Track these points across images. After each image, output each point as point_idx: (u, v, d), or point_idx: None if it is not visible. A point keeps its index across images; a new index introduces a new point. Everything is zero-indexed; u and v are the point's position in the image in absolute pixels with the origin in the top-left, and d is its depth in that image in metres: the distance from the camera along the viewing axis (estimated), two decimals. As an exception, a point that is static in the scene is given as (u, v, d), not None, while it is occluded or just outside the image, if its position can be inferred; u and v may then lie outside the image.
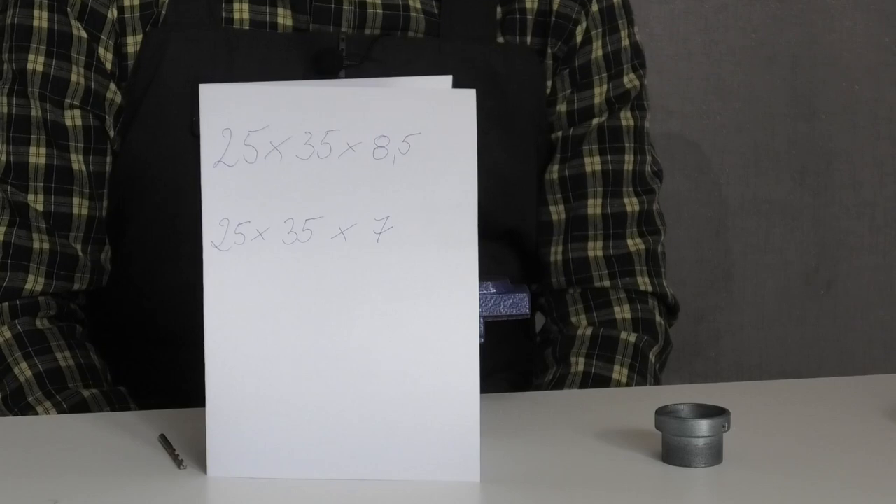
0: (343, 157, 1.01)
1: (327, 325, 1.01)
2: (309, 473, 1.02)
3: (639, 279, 1.45)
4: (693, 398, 1.11)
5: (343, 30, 1.37)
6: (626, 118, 1.47)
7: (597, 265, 1.45)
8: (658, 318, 1.45)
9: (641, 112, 1.49)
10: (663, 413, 1.06)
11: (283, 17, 1.38)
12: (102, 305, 1.43)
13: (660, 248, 1.48)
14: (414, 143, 1.00)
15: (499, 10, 1.42)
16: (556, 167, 1.46)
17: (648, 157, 1.49)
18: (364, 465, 1.02)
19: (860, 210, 2.37)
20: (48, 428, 1.17)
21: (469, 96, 1.00)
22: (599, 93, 1.45)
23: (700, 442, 1.05)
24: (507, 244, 1.45)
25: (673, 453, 1.06)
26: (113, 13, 1.37)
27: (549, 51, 1.44)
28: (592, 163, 1.45)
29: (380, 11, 1.38)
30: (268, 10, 1.38)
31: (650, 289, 1.46)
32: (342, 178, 1.01)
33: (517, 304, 1.27)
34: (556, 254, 1.46)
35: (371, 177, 1.01)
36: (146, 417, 1.16)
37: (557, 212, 1.46)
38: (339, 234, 1.01)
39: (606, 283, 1.44)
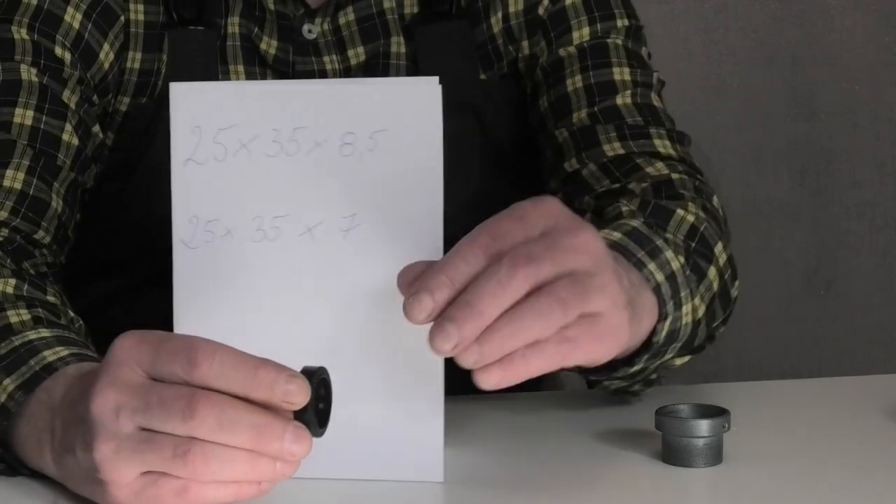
0: (311, 154, 1.00)
1: (295, 323, 1.01)
2: None
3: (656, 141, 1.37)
4: (693, 398, 1.11)
5: None
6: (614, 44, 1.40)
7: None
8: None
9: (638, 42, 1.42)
10: (663, 413, 1.06)
11: (277, 79, 1.38)
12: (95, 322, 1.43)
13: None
14: (380, 139, 1.00)
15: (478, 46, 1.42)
16: (540, 101, 1.40)
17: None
18: (330, 464, 1.01)
19: (860, 210, 2.37)
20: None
21: (432, 90, 0.99)
22: (578, 36, 1.40)
23: (700, 442, 1.05)
24: None
25: (673, 453, 1.06)
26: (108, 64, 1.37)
27: (528, 52, 1.41)
28: (574, 82, 1.39)
29: (361, 72, 1.38)
30: (258, 72, 1.38)
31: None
32: (310, 176, 1.00)
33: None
34: (594, 157, 1.34)
35: (338, 174, 1.00)
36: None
37: (561, 134, 1.37)
38: (307, 231, 1.00)
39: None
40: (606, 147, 1.33)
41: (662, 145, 1.33)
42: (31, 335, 1.08)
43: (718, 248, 1.18)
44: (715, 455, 1.06)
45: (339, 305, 1.00)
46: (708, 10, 2.31)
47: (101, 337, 1.41)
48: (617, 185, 1.30)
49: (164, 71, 1.36)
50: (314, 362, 0.99)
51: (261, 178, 1.00)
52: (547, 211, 0.95)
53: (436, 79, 1.00)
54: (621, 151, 1.32)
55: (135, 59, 1.37)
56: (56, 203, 1.29)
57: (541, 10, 1.41)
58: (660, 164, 1.30)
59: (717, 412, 1.06)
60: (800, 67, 2.33)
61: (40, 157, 1.29)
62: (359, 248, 1.00)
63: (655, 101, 1.38)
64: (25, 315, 1.11)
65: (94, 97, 1.36)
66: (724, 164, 2.34)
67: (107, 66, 1.36)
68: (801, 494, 1.02)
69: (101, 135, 1.36)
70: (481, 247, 0.92)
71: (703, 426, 1.05)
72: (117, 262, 1.41)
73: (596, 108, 1.35)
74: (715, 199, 1.28)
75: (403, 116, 0.99)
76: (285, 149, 1.00)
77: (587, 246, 0.94)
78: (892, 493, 1.02)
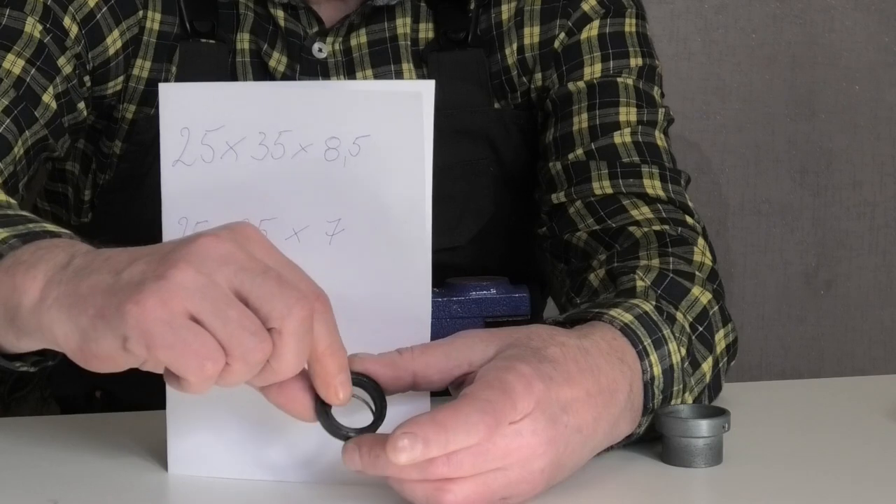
0: (296, 158, 0.99)
1: None
2: (262, 475, 1.02)
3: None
4: (693, 398, 1.11)
5: None
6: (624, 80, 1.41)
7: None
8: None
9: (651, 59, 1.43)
10: (663, 413, 1.06)
11: None
12: None
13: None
14: (363, 144, 0.99)
15: (491, 76, 1.42)
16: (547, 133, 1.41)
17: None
18: (318, 469, 1.01)
19: (860, 210, 2.37)
20: (48, 428, 1.17)
21: (419, 96, 0.99)
22: (590, 72, 1.41)
23: (700, 442, 1.05)
24: (523, 267, 1.44)
25: (673, 453, 1.06)
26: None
27: (540, 84, 1.42)
28: (580, 121, 1.39)
29: None
30: None
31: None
32: (295, 180, 0.99)
33: (517, 304, 1.27)
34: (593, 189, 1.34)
35: (323, 178, 0.99)
36: (146, 417, 1.16)
37: (554, 167, 1.38)
38: (293, 235, 1.00)
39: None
40: (595, 185, 1.33)
41: (652, 185, 1.33)
42: (26, 213, 1.05)
43: (720, 334, 1.18)
44: (715, 455, 1.06)
45: None
46: (708, 10, 2.31)
47: None
48: (600, 227, 1.30)
49: (173, 82, 1.36)
50: None
51: (248, 181, 1.00)
52: (532, 396, 0.94)
53: (431, 82, 1.00)
54: (609, 191, 1.33)
55: (143, 68, 1.38)
56: (18, 150, 1.28)
57: (556, 44, 1.40)
58: (645, 209, 1.30)
59: (716, 412, 1.06)
60: (800, 67, 2.33)
61: (20, 103, 1.29)
62: (344, 252, 0.99)
63: (658, 140, 1.37)
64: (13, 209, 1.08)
65: (87, 78, 1.36)
66: (724, 164, 2.34)
67: (111, 52, 1.36)
68: (801, 495, 1.02)
69: (84, 113, 1.36)
70: (486, 426, 0.92)
71: (703, 426, 1.05)
72: None
73: (593, 146, 1.35)
74: (700, 241, 1.27)
75: (387, 122, 0.99)
76: (271, 152, 1.00)
77: (525, 455, 0.94)
78: (892, 493, 1.02)
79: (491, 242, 1.42)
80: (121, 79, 1.38)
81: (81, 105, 1.35)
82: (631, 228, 1.27)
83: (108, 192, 1.39)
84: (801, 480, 1.04)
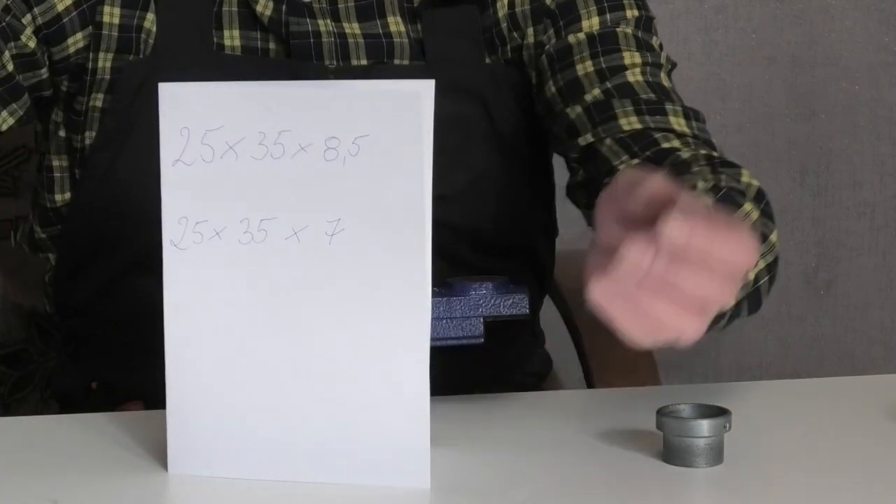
0: (295, 157, 0.99)
1: (282, 326, 1.00)
2: (262, 474, 1.02)
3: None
4: (694, 398, 1.11)
5: (326, 63, 1.36)
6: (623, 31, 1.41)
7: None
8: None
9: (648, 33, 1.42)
10: (664, 413, 1.06)
11: (276, 43, 1.37)
12: (87, 320, 1.42)
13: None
14: (363, 144, 0.99)
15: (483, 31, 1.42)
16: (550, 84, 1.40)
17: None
18: (317, 468, 1.01)
19: (860, 210, 2.37)
20: (48, 428, 1.17)
21: (416, 97, 0.98)
22: (588, 25, 1.40)
23: (701, 442, 1.05)
24: (522, 264, 1.43)
25: (674, 453, 1.06)
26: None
27: (532, 40, 1.42)
28: (585, 67, 1.38)
29: (361, 41, 1.37)
30: (259, 36, 1.37)
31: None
32: (295, 179, 0.99)
33: (517, 303, 1.26)
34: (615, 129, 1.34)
35: (323, 178, 0.99)
36: (145, 417, 1.16)
37: (574, 111, 1.37)
38: (293, 235, 1.00)
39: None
40: (623, 121, 1.33)
41: (678, 122, 1.33)
42: None
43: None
44: (716, 455, 1.06)
45: (324, 310, 1.00)
46: (708, 10, 2.31)
47: (102, 327, 1.40)
48: (636, 161, 1.29)
49: (155, 30, 1.35)
50: (300, 363, 1.00)
51: (248, 181, 1.00)
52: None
53: (431, 82, 0.99)
54: (638, 126, 1.32)
55: (113, 14, 1.36)
56: None
57: (548, 0, 1.41)
58: (676, 142, 1.30)
59: (718, 412, 1.06)
60: (800, 67, 2.33)
61: None
62: (344, 252, 0.99)
63: (665, 82, 1.38)
64: None
65: (25, 37, 1.34)
66: (724, 164, 2.34)
67: (60, 8, 1.35)
68: (802, 494, 1.02)
69: (8, 68, 1.35)
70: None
71: (705, 426, 1.05)
72: (112, 241, 1.39)
73: (609, 85, 1.35)
74: (745, 172, 1.30)
75: (388, 122, 0.98)
76: (271, 152, 1.00)
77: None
78: (892, 493, 1.02)
79: (481, 199, 1.41)
80: (81, 34, 1.36)
81: (6, 57, 1.34)
82: (676, 153, 1.28)
83: (92, 154, 1.38)
84: (802, 480, 1.04)
